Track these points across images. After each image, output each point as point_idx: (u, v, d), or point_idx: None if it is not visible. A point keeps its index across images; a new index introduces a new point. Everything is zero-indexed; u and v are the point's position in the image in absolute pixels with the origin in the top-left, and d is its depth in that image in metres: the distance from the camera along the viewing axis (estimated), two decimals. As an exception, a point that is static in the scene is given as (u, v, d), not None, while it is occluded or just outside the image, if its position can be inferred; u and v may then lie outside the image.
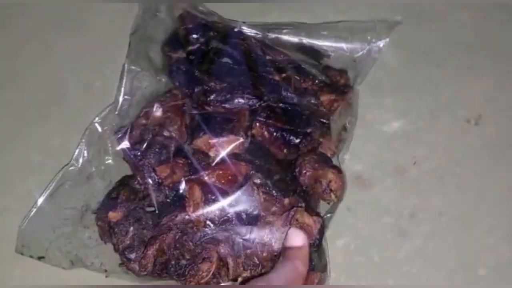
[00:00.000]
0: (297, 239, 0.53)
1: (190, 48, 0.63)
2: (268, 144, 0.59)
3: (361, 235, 0.65)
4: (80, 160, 0.63)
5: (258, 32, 0.67)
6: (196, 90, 0.60)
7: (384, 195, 0.67)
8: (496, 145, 0.69)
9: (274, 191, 0.55)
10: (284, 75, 0.62)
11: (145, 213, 0.58)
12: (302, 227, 0.54)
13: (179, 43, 0.64)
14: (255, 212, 0.55)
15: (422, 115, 0.71)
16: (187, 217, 0.54)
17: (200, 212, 0.54)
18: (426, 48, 0.75)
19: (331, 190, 0.59)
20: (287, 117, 0.60)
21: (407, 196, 0.67)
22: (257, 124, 0.59)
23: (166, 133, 0.59)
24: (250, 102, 0.59)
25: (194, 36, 0.63)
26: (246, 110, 0.59)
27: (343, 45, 0.70)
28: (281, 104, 0.60)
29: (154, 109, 0.60)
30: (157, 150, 0.58)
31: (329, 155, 0.63)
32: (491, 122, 0.70)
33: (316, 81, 0.65)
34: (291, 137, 0.60)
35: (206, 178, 0.55)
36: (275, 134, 0.59)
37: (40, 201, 0.62)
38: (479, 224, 0.66)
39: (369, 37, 0.70)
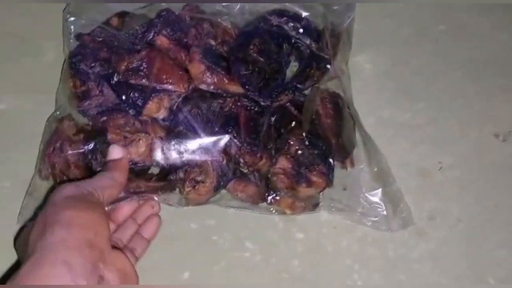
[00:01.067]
0: (116, 152, 0.57)
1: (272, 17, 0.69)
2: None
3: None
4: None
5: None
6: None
7: (406, 195, 0.68)
8: (520, 164, 0.71)
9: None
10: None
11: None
12: None
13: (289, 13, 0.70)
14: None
15: (452, 125, 0.73)
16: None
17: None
18: (464, 62, 0.77)
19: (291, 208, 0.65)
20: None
21: (428, 199, 0.69)
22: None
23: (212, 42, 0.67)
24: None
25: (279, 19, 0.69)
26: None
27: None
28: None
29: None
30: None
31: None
32: (519, 140, 0.72)
33: None
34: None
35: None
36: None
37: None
38: (493, 236, 0.67)
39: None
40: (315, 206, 0.66)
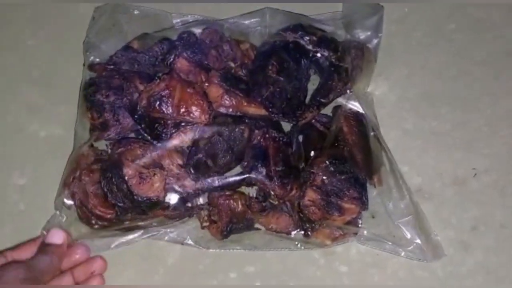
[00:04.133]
0: (57, 237, 0.58)
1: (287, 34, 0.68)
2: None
3: (423, 249, 0.64)
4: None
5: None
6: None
7: (444, 207, 0.67)
8: (556, 158, 0.68)
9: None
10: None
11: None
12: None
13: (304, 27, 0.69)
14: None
15: (481, 127, 0.70)
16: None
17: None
18: (482, 58, 0.74)
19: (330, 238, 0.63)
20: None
21: (468, 208, 0.67)
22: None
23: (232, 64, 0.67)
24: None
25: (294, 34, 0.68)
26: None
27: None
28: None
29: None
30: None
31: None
32: (552, 134, 0.69)
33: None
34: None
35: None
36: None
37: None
38: (541, 237, 0.65)
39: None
40: (356, 231, 0.63)
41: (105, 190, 0.60)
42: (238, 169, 0.64)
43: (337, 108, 0.68)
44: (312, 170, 0.62)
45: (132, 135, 0.65)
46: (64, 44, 0.74)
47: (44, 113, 0.72)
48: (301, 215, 0.62)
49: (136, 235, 0.63)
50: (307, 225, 0.63)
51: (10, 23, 0.76)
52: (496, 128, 0.70)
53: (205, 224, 0.63)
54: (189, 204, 0.63)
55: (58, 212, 0.63)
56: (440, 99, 0.72)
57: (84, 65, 0.69)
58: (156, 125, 0.62)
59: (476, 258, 0.64)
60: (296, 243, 0.63)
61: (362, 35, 0.70)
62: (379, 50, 0.71)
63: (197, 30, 0.69)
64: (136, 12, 0.70)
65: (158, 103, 0.61)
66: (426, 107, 0.72)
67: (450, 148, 0.70)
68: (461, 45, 0.74)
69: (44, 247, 0.57)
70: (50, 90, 0.73)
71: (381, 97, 0.71)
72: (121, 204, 0.60)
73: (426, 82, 0.73)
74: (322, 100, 0.67)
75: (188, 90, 0.62)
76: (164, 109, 0.61)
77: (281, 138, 0.64)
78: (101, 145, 0.66)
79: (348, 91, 0.67)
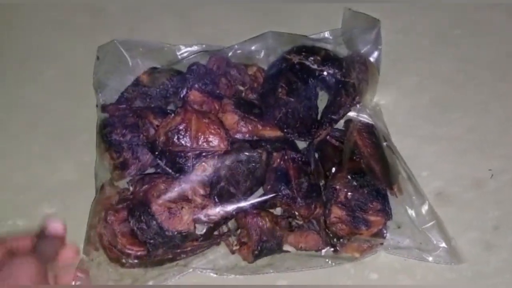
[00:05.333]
0: (57, 226, 0.53)
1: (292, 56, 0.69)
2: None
3: (449, 251, 0.66)
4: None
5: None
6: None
7: (466, 209, 0.68)
8: None
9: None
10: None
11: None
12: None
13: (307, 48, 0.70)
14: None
15: (493, 128, 0.72)
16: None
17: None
18: (489, 60, 0.76)
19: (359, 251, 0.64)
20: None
21: (489, 208, 0.68)
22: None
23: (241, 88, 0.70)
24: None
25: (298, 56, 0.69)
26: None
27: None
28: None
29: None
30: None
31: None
32: None
33: None
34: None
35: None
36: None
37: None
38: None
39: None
40: (382, 242, 0.65)
41: (135, 228, 0.60)
42: (260, 191, 0.65)
43: (349, 122, 0.69)
44: (335, 186, 0.63)
45: (152, 170, 0.66)
46: (74, 82, 0.76)
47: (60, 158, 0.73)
48: (328, 232, 0.64)
49: (169, 274, 0.63)
50: (335, 241, 0.64)
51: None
52: (507, 128, 0.72)
53: (235, 248, 0.64)
54: (216, 232, 0.64)
55: (86, 257, 0.62)
56: (451, 104, 0.74)
57: (97, 106, 0.69)
58: (177, 158, 0.62)
59: (501, 257, 0.66)
60: (327, 260, 0.64)
61: (363, 49, 0.71)
62: (390, 60, 0.73)
63: (203, 59, 0.70)
64: (140, 48, 0.71)
65: (176, 137, 0.62)
66: (438, 113, 0.74)
67: (465, 152, 0.71)
68: (468, 50, 0.77)
69: (45, 235, 0.53)
70: (70, 122, 0.74)
71: (394, 106, 0.73)
72: (152, 241, 0.60)
73: (436, 89, 0.75)
74: (333, 116, 0.68)
75: (204, 120, 0.63)
76: (183, 142, 0.62)
77: (299, 158, 0.65)
78: (122, 183, 0.66)
79: (357, 105, 0.69)
